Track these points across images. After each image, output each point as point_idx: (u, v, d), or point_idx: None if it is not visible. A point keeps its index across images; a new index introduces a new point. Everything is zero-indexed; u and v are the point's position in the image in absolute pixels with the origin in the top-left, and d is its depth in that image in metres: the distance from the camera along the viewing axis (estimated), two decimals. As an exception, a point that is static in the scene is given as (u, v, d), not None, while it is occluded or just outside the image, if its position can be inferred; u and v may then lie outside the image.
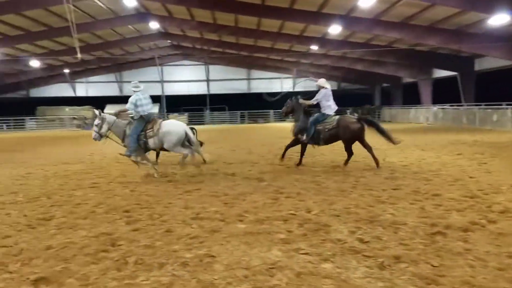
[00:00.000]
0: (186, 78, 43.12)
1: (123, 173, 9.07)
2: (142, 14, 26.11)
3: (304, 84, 32.46)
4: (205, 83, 43.54)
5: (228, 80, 43.02)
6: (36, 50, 29.43)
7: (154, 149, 8.76)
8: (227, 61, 39.67)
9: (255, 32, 26.52)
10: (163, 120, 8.54)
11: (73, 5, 20.16)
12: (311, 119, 9.04)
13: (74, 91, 42.68)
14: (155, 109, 7.84)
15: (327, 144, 9.15)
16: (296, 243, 4.14)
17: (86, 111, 40.24)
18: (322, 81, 9.17)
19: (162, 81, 42.16)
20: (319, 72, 37.23)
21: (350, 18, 20.30)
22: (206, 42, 33.07)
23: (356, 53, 27.97)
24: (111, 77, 42.66)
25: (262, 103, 39.92)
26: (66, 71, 37.22)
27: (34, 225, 5.02)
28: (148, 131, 8.25)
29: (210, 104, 42.61)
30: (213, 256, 3.85)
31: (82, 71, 39.60)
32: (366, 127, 8.73)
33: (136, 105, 8.27)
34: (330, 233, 4.43)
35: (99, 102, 40.23)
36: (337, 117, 8.96)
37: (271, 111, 40.00)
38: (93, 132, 8.54)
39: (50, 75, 37.90)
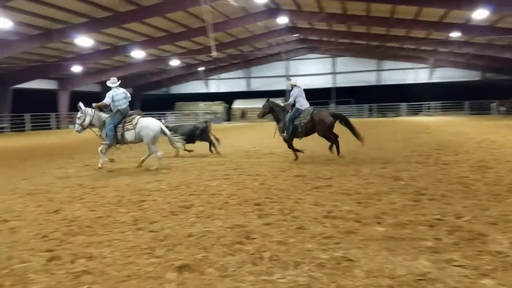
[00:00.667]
0: (311, 71, 42.97)
1: (251, 166, 9.27)
2: (272, 10, 26.67)
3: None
4: (331, 76, 42.87)
5: (355, 72, 41.62)
6: (176, 50, 32.23)
7: (131, 142, 9.21)
8: (355, 52, 38.41)
9: (388, 21, 25.12)
10: (141, 117, 9.22)
11: (210, 6, 21.48)
12: (287, 117, 9.67)
13: (207, 87, 45.79)
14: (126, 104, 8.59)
15: (306, 136, 9.86)
16: (447, 253, 3.64)
17: (217, 106, 42.90)
18: (294, 80, 10.05)
19: (287, 76, 42.74)
20: (458, 61, 33.82)
21: (500, 1, 17.87)
22: (333, 34, 32.45)
23: (505, 40, 24.64)
24: (240, 73, 44.74)
25: (393, 95, 38.10)
26: (201, 69, 40.12)
27: (177, 212, 5.33)
28: (126, 124, 8.99)
29: (336, 98, 41.83)
30: (351, 260, 3.58)
31: (214, 68, 42.29)
32: (336, 121, 9.52)
33: (112, 100, 9.02)
34: (487, 244, 3.81)
35: (229, 98, 42.62)
36: (311, 111, 9.61)
37: (403, 104, 37.63)
38: (76, 125, 9.34)
39: (188, 73, 41.30)
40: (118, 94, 9.18)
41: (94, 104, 9.40)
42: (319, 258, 3.62)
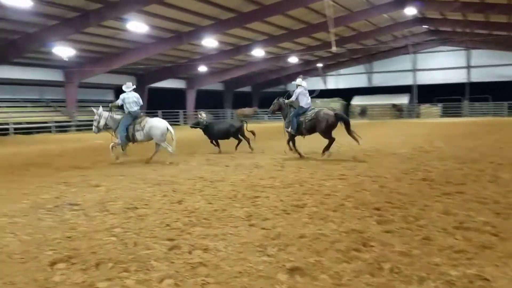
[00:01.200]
0: (442, 65, 39.48)
1: (371, 167, 8.77)
2: (399, 1, 25.14)
3: None
4: (465, 70, 38.90)
5: (493, 66, 37.05)
6: (295, 47, 32.41)
7: (141, 141, 10.20)
8: (493, 45, 34.23)
9: (535, 8, 21.84)
10: (150, 118, 10.18)
11: (332, 0, 21.06)
12: (292, 113, 10.37)
13: (325, 83, 45.18)
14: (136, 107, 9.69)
15: (310, 133, 10.43)
16: None
17: (335, 103, 42.08)
18: (299, 81, 10.50)
19: (414, 70, 40.01)
20: None
21: None
22: (469, 24, 29.36)
23: None
24: (360, 68, 43.21)
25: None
26: (319, 65, 39.74)
27: (289, 211, 5.23)
28: (136, 125, 9.93)
29: (470, 94, 37.86)
30: (486, 279, 3.08)
31: (333, 64, 41.54)
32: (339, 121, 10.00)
33: (124, 103, 10.02)
34: None
35: (347, 94, 41.48)
36: (316, 109, 10.24)
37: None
38: (93, 127, 10.36)
39: (305, 70, 41.25)
40: (129, 98, 10.10)
41: (111, 105, 10.48)
42: (448, 275, 3.18)
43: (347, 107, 41.60)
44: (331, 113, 10.17)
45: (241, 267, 3.43)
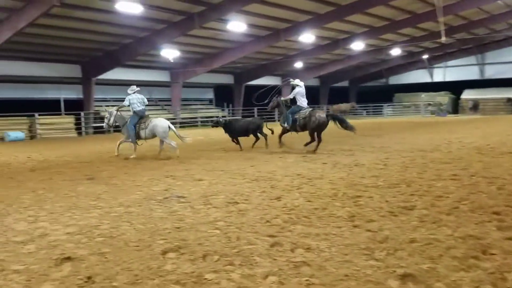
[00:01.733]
0: None
1: (486, 166, 7.95)
2: (516, -16, 22.51)
3: None
4: None
5: None
6: (398, 39, 30.75)
7: (144, 138, 11.09)
8: None
9: None
10: (153, 118, 11.29)
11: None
12: (288, 110, 11.18)
13: (431, 76, 42.11)
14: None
15: (303, 130, 11.11)
16: None
17: (441, 97, 39.10)
18: (297, 81, 11.54)
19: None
20: None
21: None
22: None
23: None
24: (471, 59, 39.52)
25: None
26: (425, 57, 37.20)
27: (396, 213, 4.91)
28: (141, 124, 10.92)
29: None
30: None
31: (440, 55, 38.56)
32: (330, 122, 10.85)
33: (129, 104, 11.07)
34: None
35: (456, 87, 38.29)
36: (310, 109, 11.14)
37: None
38: (104, 124, 11.60)
39: (409, 62, 38.95)
40: (134, 99, 11.12)
41: (117, 106, 11.64)
42: None
43: (456, 101, 38.41)
44: (323, 114, 11.17)
45: (347, 270, 3.28)
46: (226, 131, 12.79)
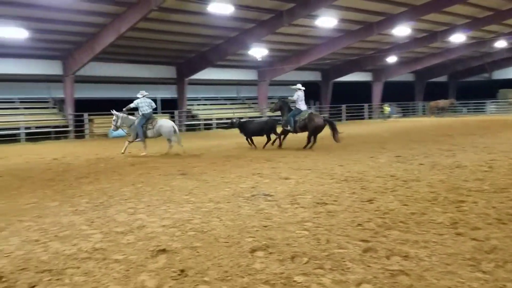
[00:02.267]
0: None
1: None
2: None
3: None
4: None
5: None
6: (503, 30, 27.96)
7: (151, 137, 12.20)
8: None
9: None
10: (159, 119, 12.36)
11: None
12: (290, 113, 12.22)
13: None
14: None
15: (302, 131, 12.19)
16: None
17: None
18: (299, 85, 12.50)
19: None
20: None
21: None
22: None
23: None
24: None
25: None
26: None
27: (505, 220, 4.41)
28: (148, 125, 11.95)
29: None
30: None
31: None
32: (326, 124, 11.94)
33: (137, 107, 12.07)
34: None
35: None
36: (308, 112, 12.40)
37: None
38: (112, 126, 12.58)
39: (516, 55, 35.19)
40: (142, 102, 12.04)
41: (125, 108, 12.39)
42: None
43: None
44: (321, 117, 12.46)
45: (450, 282, 2.99)
46: (241, 131, 13.34)
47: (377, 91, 35.51)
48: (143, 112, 12.09)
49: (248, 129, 13.15)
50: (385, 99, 34.82)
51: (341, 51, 27.71)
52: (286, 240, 4.02)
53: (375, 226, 4.38)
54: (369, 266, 3.34)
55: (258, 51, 24.77)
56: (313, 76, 33.56)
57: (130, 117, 12.72)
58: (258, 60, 25.71)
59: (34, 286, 3.16)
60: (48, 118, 21.97)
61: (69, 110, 21.70)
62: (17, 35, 17.58)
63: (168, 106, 26.83)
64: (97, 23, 18.30)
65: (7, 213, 5.39)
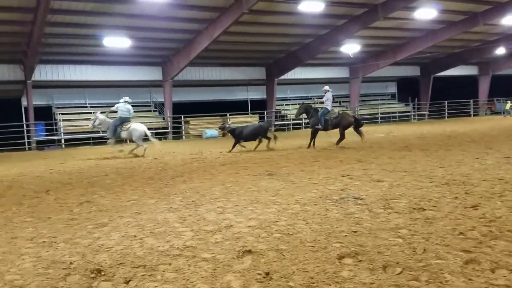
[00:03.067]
0: None
1: None
2: None
3: None
4: None
5: None
6: None
7: (125, 139, 14.16)
8: None
9: None
10: (133, 123, 13.69)
11: None
12: (319, 113, 13.30)
13: None
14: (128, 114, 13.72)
15: (334, 129, 13.26)
16: None
17: None
18: (327, 88, 13.69)
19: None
20: None
21: None
22: None
23: None
24: None
25: None
26: None
27: None
28: (123, 127, 13.44)
29: None
30: None
31: None
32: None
33: (117, 110, 13.70)
34: None
35: None
36: (337, 110, 14.66)
37: None
38: (90, 124, 14.26)
39: None
40: (122, 107, 13.64)
41: (108, 111, 14.33)
42: None
43: None
44: (351, 114, 13.83)
45: None
46: (233, 136, 13.80)
47: (484, 86, 32.56)
48: (120, 115, 13.71)
49: (241, 134, 13.54)
50: (494, 94, 31.71)
51: (442, 43, 25.89)
52: (377, 247, 3.77)
53: (479, 235, 3.93)
54: (470, 280, 3.00)
55: (350, 48, 24.12)
56: (411, 71, 31.81)
57: (108, 120, 14.06)
58: (350, 56, 25.03)
59: (129, 280, 3.34)
60: (150, 121, 23.73)
61: (168, 112, 23.17)
62: (122, 44, 19.22)
63: (256, 107, 27.34)
64: (193, 29, 19.28)
65: (110, 209, 5.85)
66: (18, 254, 4.05)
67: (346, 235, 4.16)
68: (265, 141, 13.54)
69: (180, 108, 24.32)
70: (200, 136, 22.93)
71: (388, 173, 7.71)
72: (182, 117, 23.65)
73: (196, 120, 23.73)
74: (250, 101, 28.32)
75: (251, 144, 13.54)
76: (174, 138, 23.14)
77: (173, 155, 13.31)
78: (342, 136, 13.06)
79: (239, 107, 26.58)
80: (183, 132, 23.79)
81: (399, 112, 31.49)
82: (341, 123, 13.09)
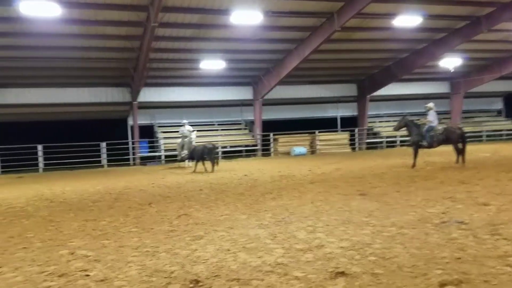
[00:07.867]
0: None
1: None
2: None
3: None
4: None
5: None
6: None
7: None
8: None
9: None
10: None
11: None
12: (424, 129, 12.62)
13: None
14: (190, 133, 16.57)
15: (439, 145, 12.64)
16: None
17: None
18: (431, 105, 13.04)
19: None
20: None
21: None
22: None
23: None
24: None
25: None
26: None
27: None
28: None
29: None
30: None
31: None
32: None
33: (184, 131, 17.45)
34: None
35: None
36: (442, 126, 12.98)
37: None
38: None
39: None
40: (184, 130, 17.15)
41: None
42: None
43: None
44: (457, 127, 13.37)
45: None
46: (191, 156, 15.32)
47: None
48: (181, 134, 17.36)
49: (195, 154, 14.86)
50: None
51: None
52: (483, 276, 3.46)
53: None
54: None
55: (451, 61, 22.69)
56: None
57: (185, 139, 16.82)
58: (451, 71, 23.54)
59: (224, 293, 3.46)
60: (240, 138, 24.49)
61: (258, 130, 23.72)
62: (216, 67, 20.26)
63: (347, 124, 26.76)
64: (283, 50, 19.65)
65: (205, 223, 6.12)
66: (125, 261, 4.41)
67: (448, 262, 3.87)
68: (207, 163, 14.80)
69: (269, 126, 24.75)
70: (288, 153, 23.06)
71: (495, 196, 7.05)
72: (271, 134, 24.04)
73: (285, 137, 23.97)
74: (340, 118, 27.84)
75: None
76: (263, 155, 23.57)
77: (261, 172, 13.55)
78: (459, 150, 12.26)
79: (328, 124, 26.27)
80: (272, 150, 24.13)
81: (506, 130, 28.63)
82: (449, 139, 12.39)
